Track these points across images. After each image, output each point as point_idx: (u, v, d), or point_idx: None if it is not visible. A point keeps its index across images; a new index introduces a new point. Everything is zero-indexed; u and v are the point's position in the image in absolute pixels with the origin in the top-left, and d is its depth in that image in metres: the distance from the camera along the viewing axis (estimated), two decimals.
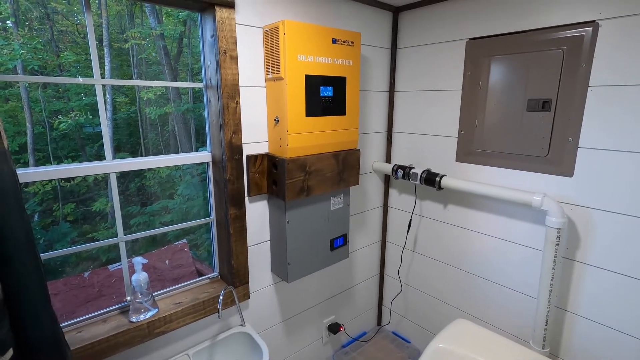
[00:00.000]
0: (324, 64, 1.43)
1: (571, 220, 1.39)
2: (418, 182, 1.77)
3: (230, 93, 1.33)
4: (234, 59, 1.32)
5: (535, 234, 1.51)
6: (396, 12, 1.89)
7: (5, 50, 1.91)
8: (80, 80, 1.22)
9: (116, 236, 1.30)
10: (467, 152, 1.69)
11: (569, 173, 1.38)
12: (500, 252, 1.65)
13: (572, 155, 1.36)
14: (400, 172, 1.85)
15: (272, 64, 1.38)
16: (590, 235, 1.36)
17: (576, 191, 1.37)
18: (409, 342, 2.18)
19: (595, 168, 1.31)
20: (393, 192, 2.13)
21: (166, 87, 2.78)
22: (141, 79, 2.89)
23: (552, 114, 1.39)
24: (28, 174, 1.07)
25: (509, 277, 1.64)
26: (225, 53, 1.29)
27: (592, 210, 1.34)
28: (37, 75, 2.19)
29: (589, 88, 1.29)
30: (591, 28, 1.26)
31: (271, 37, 1.35)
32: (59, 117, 2.35)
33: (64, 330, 1.18)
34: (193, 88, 1.88)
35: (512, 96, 1.50)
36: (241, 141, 1.41)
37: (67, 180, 2.44)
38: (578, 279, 1.41)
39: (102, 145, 1.23)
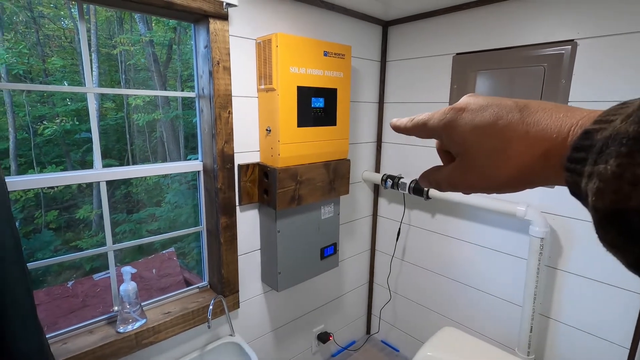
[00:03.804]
0: (316, 76, 1.46)
1: (553, 229, 1.44)
2: (407, 191, 1.80)
3: (222, 103, 1.34)
4: (227, 69, 1.34)
5: (519, 243, 1.56)
6: (386, 26, 1.95)
7: None
8: (73, 88, 1.21)
9: (102, 244, 1.28)
10: None
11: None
12: (487, 260, 1.69)
13: None
14: (389, 182, 1.88)
15: (265, 75, 1.40)
16: (571, 244, 1.41)
17: (558, 202, 1.43)
18: (398, 351, 2.20)
19: None
20: (382, 202, 2.16)
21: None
22: (129, 85, 2.86)
23: None
24: (15, 182, 1.05)
25: (495, 285, 1.68)
26: (218, 64, 1.31)
27: (573, 220, 1.39)
28: (23, 80, 2.16)
29: (568, 103, 1.35)
30: (570, 46, 1.32)
31: (264, 49, 1.38)
32: (43, 122, 2.31)
33: (49, 341, 1.15)
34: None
35: None
36: (233, 150, 1.41)
37: (50, 187, 2.39)
38: (560, 287, 1.46)
39: (87, 151, 1.22)
